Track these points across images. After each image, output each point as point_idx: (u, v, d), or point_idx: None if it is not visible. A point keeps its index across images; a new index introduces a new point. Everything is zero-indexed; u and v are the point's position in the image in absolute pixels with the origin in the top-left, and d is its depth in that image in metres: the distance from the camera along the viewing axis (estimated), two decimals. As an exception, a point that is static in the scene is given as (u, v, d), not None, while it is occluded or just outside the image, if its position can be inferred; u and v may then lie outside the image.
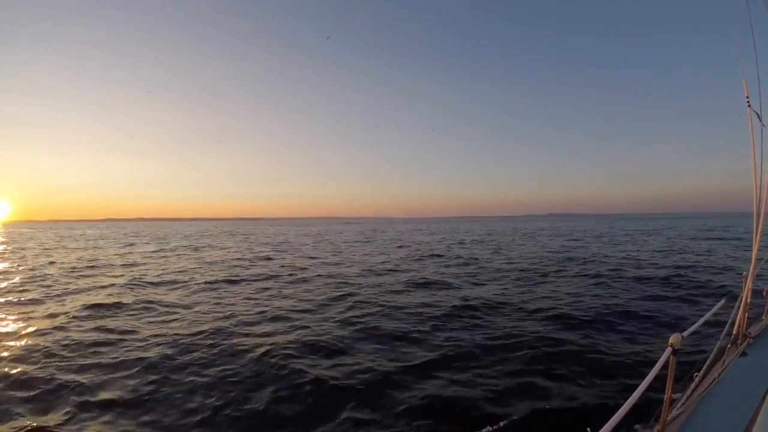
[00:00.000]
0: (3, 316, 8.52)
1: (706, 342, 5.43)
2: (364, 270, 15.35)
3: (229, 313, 8.55)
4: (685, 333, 2.06)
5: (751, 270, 2.85)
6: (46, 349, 6.19)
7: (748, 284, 2.87)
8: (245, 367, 5.45)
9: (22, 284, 12.49)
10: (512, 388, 4.74)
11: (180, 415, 4.27)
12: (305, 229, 78.43)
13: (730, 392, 2.28)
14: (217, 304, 9.57)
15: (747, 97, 2.85)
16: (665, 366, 1.91)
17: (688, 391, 2.42)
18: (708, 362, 2.71)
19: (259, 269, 16.06)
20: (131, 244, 32.86)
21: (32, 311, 8.92)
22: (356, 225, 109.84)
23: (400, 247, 27.59)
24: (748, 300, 2.87)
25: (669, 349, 1.92)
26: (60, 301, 9.97)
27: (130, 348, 6.30)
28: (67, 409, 4.41)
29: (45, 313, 8.65)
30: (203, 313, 8.57)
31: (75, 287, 11.97)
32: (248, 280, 13.06)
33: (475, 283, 12.02)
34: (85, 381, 5.05)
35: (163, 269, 16.25)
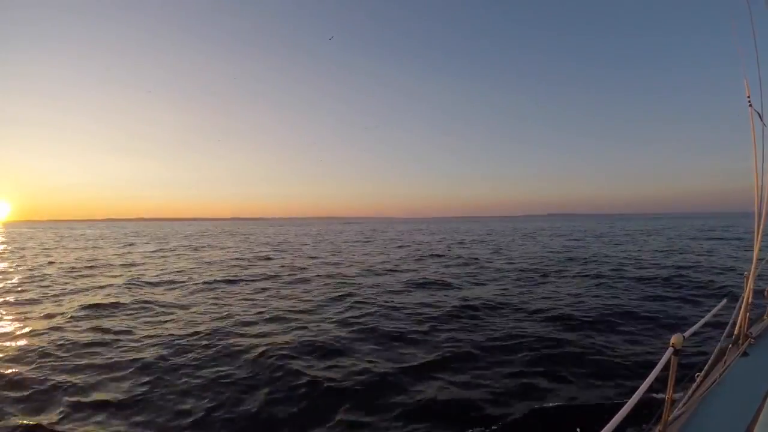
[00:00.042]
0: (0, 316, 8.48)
1: (708, 342, 5.40)
2: (363, 270, 15.30)
3: (226, 313, 8.49)
4: (687, 333, 2.04)
5: (752, 270, 2.85)
6: (41, 350, 6.14)
7: (749, 284, 2.86)
8: (240, 368, 5.40)
9: (20, 284, 12.45)
10: (512, 390, 4.69)
11: (173, 417, 4.21)
12: (305, 228, 78.43)
13: (731, 392, 2.27)
14: (215, 304, 9.51)
15: (748, 97, 2.84)
16: (666, 366, 1.91)
17: (690, 392, 2.40)
18: (709, 362, 2.69)
19: (259, 269, 16.01)
20: (131, 244, 32.83)
21: (29, 311, 8.87)
22: (356, 225, 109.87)
23: (400, 247, 27.54)
24: (749, 300, 2.87)
25: (670, 350, 1.91)
26: (57, 302, 9.92)
27: (126, 348, 6.25)
28: (61, 409, 4.37)
29: (42, 314, 8.59)
30: (200, 314, 8.51)
31: (73, 287, 11.92)
32: (247, 281, 13.00)
33: (475, 284, 11.97)
34: (78, 381, 5.01)
35: (161, 269, 16.21)
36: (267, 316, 8.16)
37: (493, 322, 7.57)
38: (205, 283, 12.47)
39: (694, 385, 2.47)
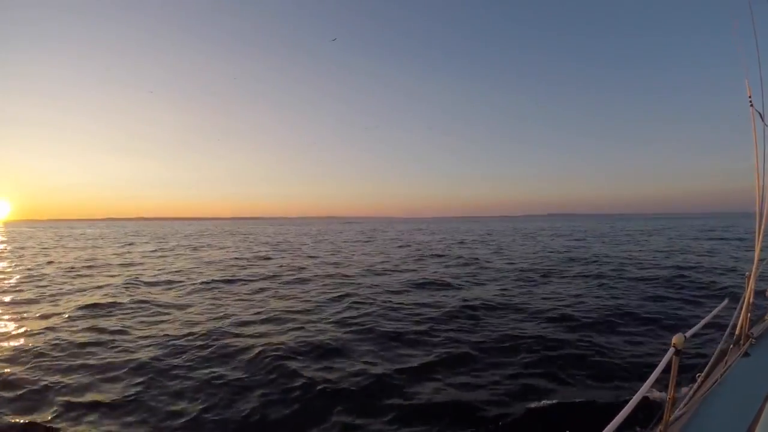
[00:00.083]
0: (-5, 316, 8.43)
1: (709, 343, 5.35)
2: (363, 270, 15.24)
3: (223, 313, 8.44)
4: (688, 333, 2.05)
5: (753, 270, 2.87)
6: (35, 350, 6.09)
7: (751, 285, 2.87)
8: (235, 369, 5.33)
9: (18, 284, 12.39)
10: (512, 391, 4.64)
11: (165, 418, 4.16)
12: (305, 228, 78.41)
13: (732, 393, 2.27)
14: (213, 304, 9.45)
15: (749, 97, 2.86)
16: (668, 367, 1.93)
17: (691, 392, 2.42)
18: (710, 363, 2.72)
19: (258, 269, 15.96)
20: (131, 244, 32.80)
21: (26, 311, 8.82)
22: (356, 224, 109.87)
23: (400, 246, 27.50)
24: (751, 301, 2.89)
25: (672, 350, 1.92)
26: (55, 302, 9.87)
27: (120, 349, 6.19)
28: (53, 409, 4.32)
29: (38, 314, 8.54)
30: (197, 314, 8.46)
31: (71, 287, 11.87)
32: (246, 280, 12.95)
33: (475, 284, 11.91)
34: (72, 382, 4.96)
35: (160, 269, 16.16)
36: (264, 317, 8.10)
37: (492, 322, 7.51)
38: (203, 282, 12.42)
39: (695, 386, 2.49)
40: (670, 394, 1.97)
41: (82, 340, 6.62)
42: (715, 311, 2.72)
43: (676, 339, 1.90)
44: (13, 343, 6.47)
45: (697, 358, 4.55)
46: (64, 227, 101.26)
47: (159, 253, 23.64)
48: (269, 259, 20.06)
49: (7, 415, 4.23)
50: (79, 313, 8.49)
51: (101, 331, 7.16)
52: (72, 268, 16.52)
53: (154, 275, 14.33)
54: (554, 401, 4.33)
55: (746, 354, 2.73)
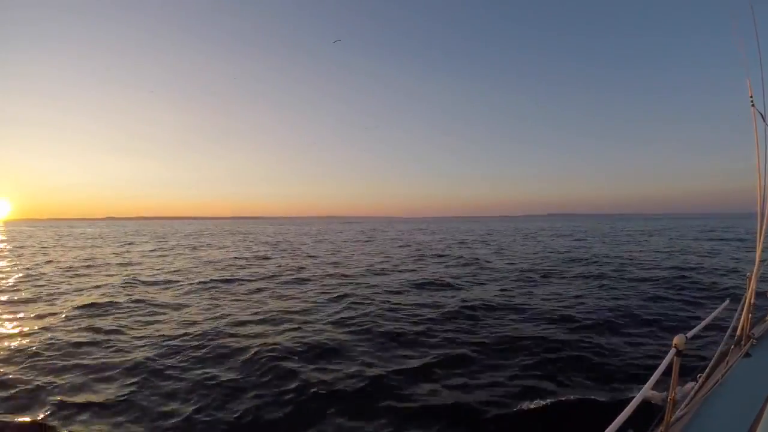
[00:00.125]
0: (-9, 315, 8.39)
1: (710, 344, 5.30)
2: (363, 270, 15.19)
3: (220, 313, 8.38)
4: (689, 334, 2.06)
5: (754, 271, 2.88)
6: (30, 350, 6.05)
7: (752, 285, 2.88)
8: (230, 370, 5.28)
9: (16, 284, 12.35)
10: (512, 392, 4.59)
11: (156, 418, 4.11)
12: (305, 228, 78.37)
13: (733, 393, 2.28)
14: (210, 304, 9.40)
15: (751, 97, 2.86)
16: (669, 367, 1.93)
17: (692, 393, 2.42)
18: (711, 363, 2.73)
19: (257, 269, 15.91)
20: (130, 243, 32.78)
21: (22, 311, 8.77)
22: (356, 224, 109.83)
23: (400, 246, 27.46)
24: (752, 301, 2.90)
25: (673, 351, 1.93)
26: (52, 301, 9.82)
27: (115, 349, 6.15)
28: (45, 408, 4.29)
29: (34, 314, 8.50)
30: (194, 314, 8.41)
31: (68, 287, 11.83)
32: (244, 280, 12.90)
33: (475, 284, 11.86)
34: (65, 382, 4.92)
35: (159, 269, 16.12)
36: (262, 317, 8.05)
37: (492, 323, 7.46)
38: (201, 282, 12.37)
39: (696, 386, 2.50)
40: (671, 395, 1.97)
41: (78, 340, 6.58)
42: (716, 312, 2.72)
43: (677, 340, 1.90)
44: (8, 343, 6.42)
45: (698, 359, 4.50)
46: (65, 226, 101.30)
47: (158, 253, 23.60)
48: (268, 258, 20.01)
49: (0, 413, 4.19)
50: (76, 312, 8.45)
51: (97, 331, 7.11)
52: (71, 267, 16.48)
53: (153, 275, 14.29)
54: (554, 403, 4.29)
55: (747, 355, 2.73)
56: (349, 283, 12.22)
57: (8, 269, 15.97)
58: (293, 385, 4.77)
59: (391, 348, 6.17)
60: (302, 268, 15.99)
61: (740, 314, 2.98)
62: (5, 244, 32.97)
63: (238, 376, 5.07)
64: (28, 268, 16.10)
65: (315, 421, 4.04)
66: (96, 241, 35.40)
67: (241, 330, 7.12)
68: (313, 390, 4.64)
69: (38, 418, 4.11)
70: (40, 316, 8.25)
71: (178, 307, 9.12)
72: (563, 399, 4.36)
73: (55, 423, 4.05)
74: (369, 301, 9.34)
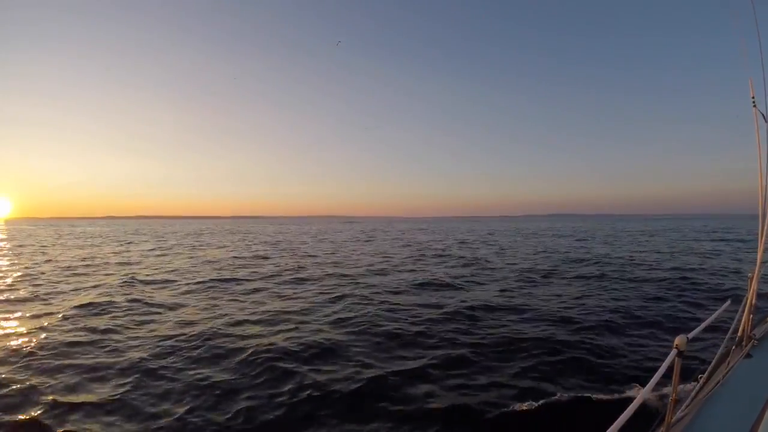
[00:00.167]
0: (-12, 315, 8.34)
1: (711, 344, 5.26)
2: (362, 270, 15.15)
3: (218, 313, 8.34)
4: (690, 335, 2.06)
5: (756, 272, 2.87)
6: (26, 349, 6.01)
7: (753, 286, 2.88)
8: (225, 371, 5.23)
9: (14, 283, 12.32)
10: (511, 393, 4.56)
11: (149, 418, 4.07)
12: (305, 227, 78.35)
13: (734, 394, 2.28)
14: (208, 304, 9.36)
15: (752, 97, 2.85)
16: (670, 368, 1.93)
17: (693, 393, 2.42)
18: (712, 364, 2.73)
19: (256, 268, 15.87)
20: (130, 242, 32.75)
21: (19, 310, 8.73)
22: (357, 224, 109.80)
23: (400, 246, 27.42)
24: (753, 302, 2.90)
25: (674, 351, 1.93)
26: (50, 301, 9.79)
27: (111, 349, 6.10)
28: (39, 408, 4.25)
29: (31, 313, 8.46)
30: (191, 314, 8.36)
31: (67, 286, 11.80)
32: (243, 280, 12.86)
33: (475, 284, 11.81)
34: (58, 382, 4.89)
35: (157, 268, 16.08)
36: (259, 317, 8.00)
37: (492, 323, 7.41)
38: (200, 282, 12.33)
39: (697, 387, 2.48)
40: (673, 396, 1.98)
41: (74, 339, 6.54)
42: (717, 313, 2.71)
43: (679, 340, 1.91)
44: (4, 343, 6.38)
45: (700, 360, 4.46)
46: (65, 225, 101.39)
47: (157, 252, 23.57)
48: (268, 258, 19.97)
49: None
50: (73, 312, 8.40)
51: (93, 330, 7.06)
52: (69, 266, 16.45)
53: (152, 274, 14.25)
54: (555, 404, 4.26)
55: (748, 355, 2.73)
56: (349, 283, 12.18)
57: (7, 268, 15.94)
58: (288, 386, 4.72)
59: (390, 349, 6.13)
60: (301, 267, 15.95)
61: (741, 315, 2.97)
62: (5, 242, 32.96)
63: (233, 377, 5.02)
64: (27, 267, 16.07)
65: (308, 424, 3.99)
66: (96, 240, 35.39)
67: (238, 330, 7.07)
68: (307, 391, 4.59)
69: (32, 418, 4.08)
70: (36, 316, 8.21)
71: (175, 306, 9.08)
72: (564, 400, 4.33)
73: (48, 422, 4.01)
74: (368, 301, 9.29)
